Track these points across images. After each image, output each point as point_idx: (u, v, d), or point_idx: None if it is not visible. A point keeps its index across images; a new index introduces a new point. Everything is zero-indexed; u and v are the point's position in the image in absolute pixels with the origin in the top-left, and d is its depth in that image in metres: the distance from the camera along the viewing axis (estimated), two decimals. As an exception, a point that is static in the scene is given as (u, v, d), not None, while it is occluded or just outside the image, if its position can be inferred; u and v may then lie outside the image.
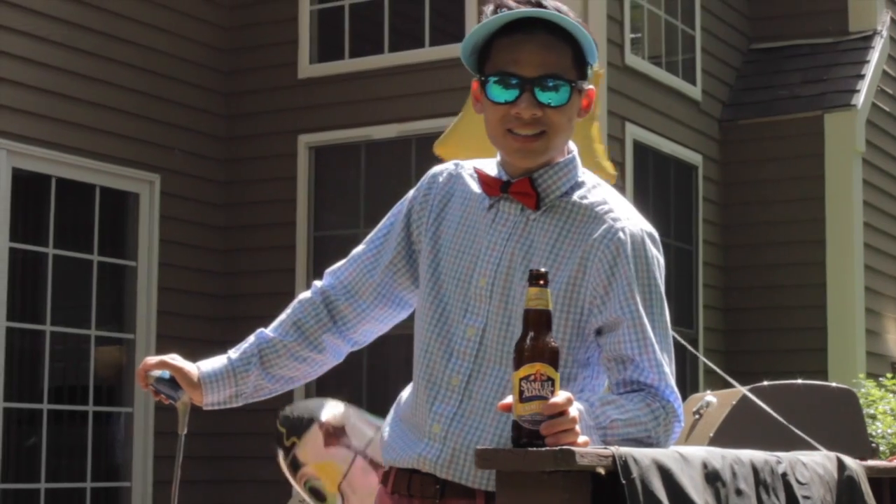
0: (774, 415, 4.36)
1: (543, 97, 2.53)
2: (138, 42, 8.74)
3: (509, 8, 2.54)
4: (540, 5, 2.55)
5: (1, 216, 7.76)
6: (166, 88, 8.92)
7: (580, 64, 2.58)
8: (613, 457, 2.18)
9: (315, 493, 4.63)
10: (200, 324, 8.93)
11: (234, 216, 9.31)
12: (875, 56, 10.71)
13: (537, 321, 2.26)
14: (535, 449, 2.18)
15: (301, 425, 4.42)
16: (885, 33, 10.91)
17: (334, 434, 4.46)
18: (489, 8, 2.59)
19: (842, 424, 4.95)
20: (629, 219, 2.59)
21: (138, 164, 8.67)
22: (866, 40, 10.84)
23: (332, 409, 4.49)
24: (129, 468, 8.50)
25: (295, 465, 4.56)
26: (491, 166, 2.70)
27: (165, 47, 8.93)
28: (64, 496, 8.18)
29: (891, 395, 8.35)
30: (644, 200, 8.92)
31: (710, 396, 5.26)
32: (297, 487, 4.64)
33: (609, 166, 5.21)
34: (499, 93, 2.55)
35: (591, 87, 2.63)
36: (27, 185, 8.08)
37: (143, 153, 8.70)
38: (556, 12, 2.53)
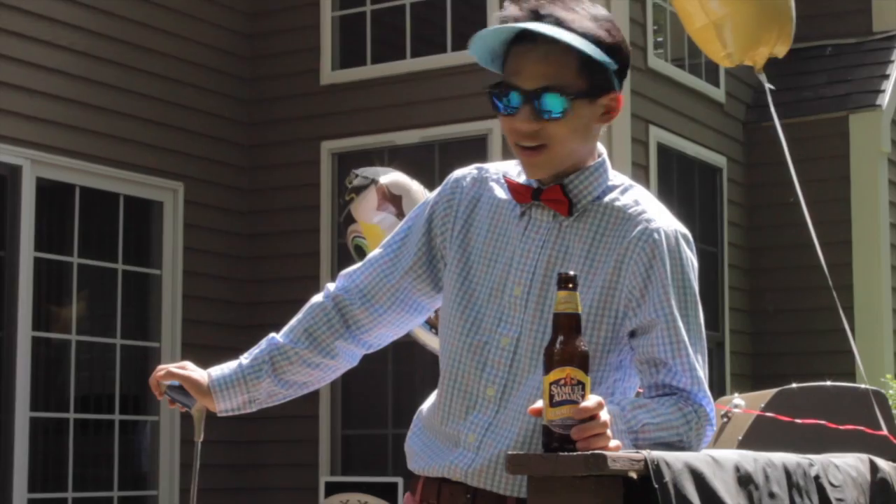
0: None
1: (541, 110, 2.48)
2: (160, 50, 8.75)
3: (514, 18, 2.51)
4: (538, 16, 2.49)
5: (25, 226, 7.77)
6: (189, 96, 8.93)
7: (592, 70, 2.49)
8: (645, 461, 2.16)
9: (359, 251, 4.67)
10: (225, 332, 8.93)
11: (257, 224, 9.31)
12: (899, 56, 10.65)
13: (567, 325, 2.24)
14: (566, 454, 2.16)
15: (363, 185, 4.52)
16: (908, 33, 10.86)
17: (389, 199, 4.47)
18: (498, 14, 2.56)
19: (872, 426, 4.92)
20: (663, 220, 2.57)
21: (162, 172, 8.68)
22: (890, 40, 10.79)
23: (394, 176, 4.52)
24: (155, 477, 8.51)
25: (347, 221, 4.66)
26: (516, 170, 2.67)
27: (187, 55, 8.94)
28: (91, 505, 8.20)
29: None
30: (669, 203, 8.82)
31: (738, 399, 5.24)
32: (348, 242, 4.69)
33: None
34: (500, 105, 2.53)
35: (615, 91, 2.56)
36: (51, 195, 8.10)
37: (166, 162, 8.71)
38: (551, 26, 2.46)
